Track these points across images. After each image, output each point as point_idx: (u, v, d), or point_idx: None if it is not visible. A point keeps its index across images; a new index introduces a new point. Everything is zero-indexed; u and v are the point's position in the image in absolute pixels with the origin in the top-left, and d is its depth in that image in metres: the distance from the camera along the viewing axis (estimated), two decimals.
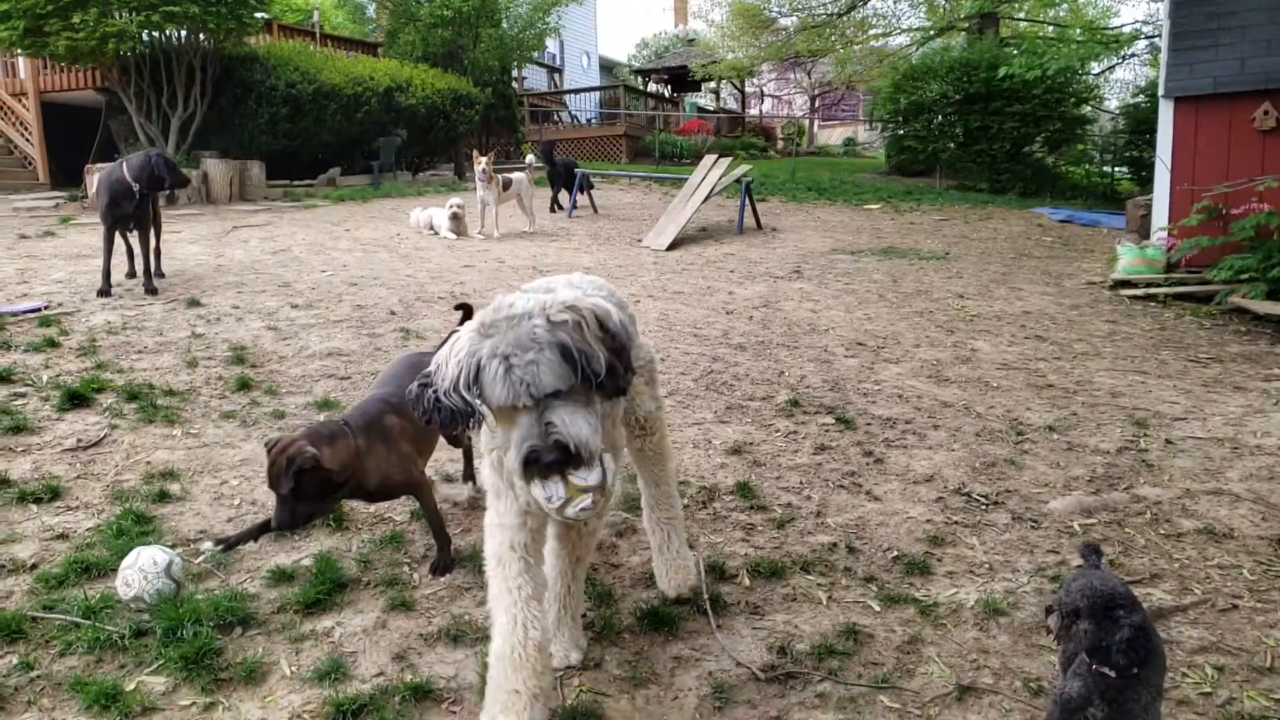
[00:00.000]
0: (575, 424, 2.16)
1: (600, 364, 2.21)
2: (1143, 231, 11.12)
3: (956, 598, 3.34)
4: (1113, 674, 2.21)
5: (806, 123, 38.35)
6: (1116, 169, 21.88)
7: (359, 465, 3.28)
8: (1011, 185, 19.24)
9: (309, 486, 3.10)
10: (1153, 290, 8.86)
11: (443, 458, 4.58)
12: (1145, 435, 5.01)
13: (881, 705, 2.75)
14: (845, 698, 2.77)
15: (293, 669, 2.87)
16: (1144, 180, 17.20)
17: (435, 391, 2.27)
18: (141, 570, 3.14)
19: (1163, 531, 3.88)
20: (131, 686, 2.73)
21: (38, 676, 2.78)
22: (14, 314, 7.05)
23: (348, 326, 7.05)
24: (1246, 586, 3.42)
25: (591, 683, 2.84)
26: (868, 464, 4.60)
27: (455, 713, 2.71)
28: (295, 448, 3.10)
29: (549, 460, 2.15)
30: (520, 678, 2.44)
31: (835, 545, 3.73)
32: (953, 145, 20.33)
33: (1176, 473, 4.50)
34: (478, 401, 2.23)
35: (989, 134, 19.50)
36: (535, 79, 32.42)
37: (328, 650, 2.96)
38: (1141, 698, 2.25)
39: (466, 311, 4.05)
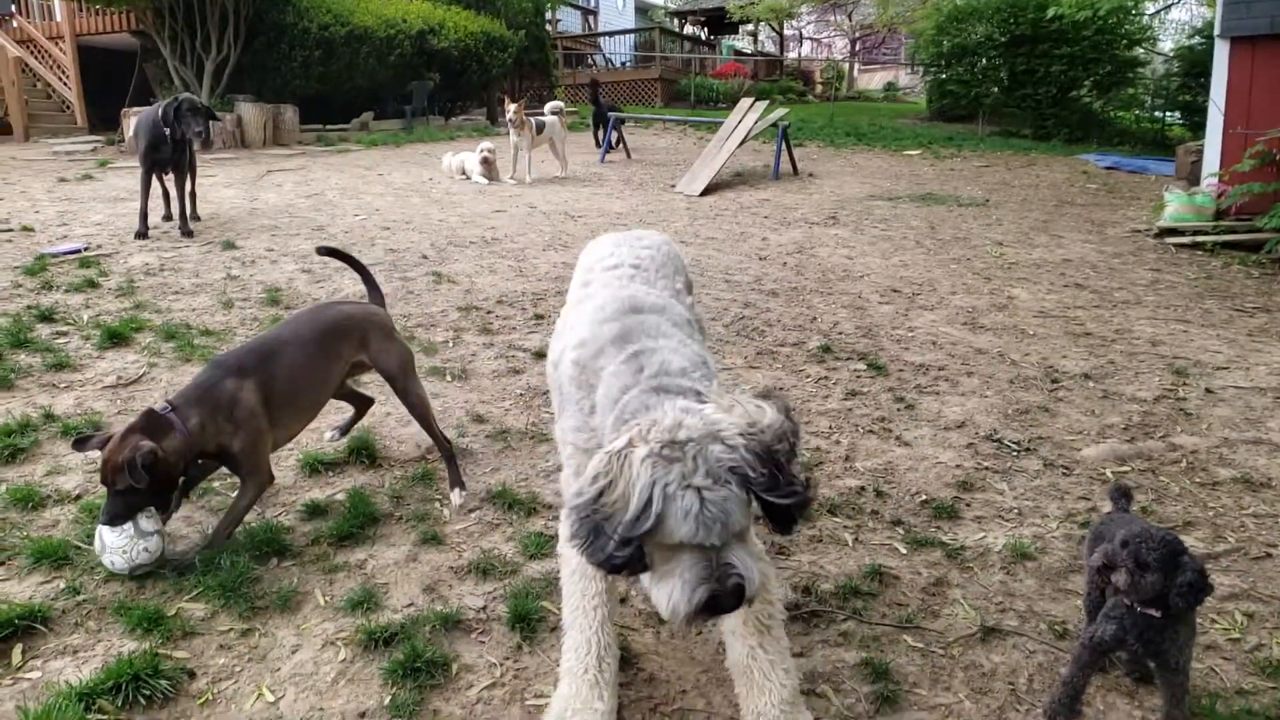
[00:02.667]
0: (750, 565, 1.95)
1: (774, 486, 1.96)
2: (1192, 178, 10.79)
3: (984, 542, 3.33)
4: (1158, 614, 2.20)
5: (846, 67, 37.45)
6: (1168, 114, 21.17)
7: (198, 444, 3.08)
8: (1057, 131, 18.71)
9: (150, 480, 2.94)
10: (1200, 238, 8.61)
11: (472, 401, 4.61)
12: (1185, 384, 4.92)
13: (905, 644, 2.76)
14: (869, 636, 2.79)
15: (326, 599, 2.94)
16: (1196, 126, 16.62)
17: (611, 536, 1.94)
18: (118, 549, 2.98)
19: (1198, 480, 3.82)
20: (172, 612, 2.82)
21: (83, 600, 2.88)
22: (55, 255, 7.18)
23: (380, 270, 7.09)
24: None
25: (618, 618, 2.88)
26: (899, 410, 4.57)
27: (484, 642, 2.77)
28: (131, 443, 2.92)
29: (724, 607, 1.95)
30: (597, 694, 2.37)
31: (863, 489, 3.73)
32: (996, 90, 19.78)
33: (1215, 422, 4.42)
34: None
35: (1035, 78, 18.92)
36: (569, 21, 31.93)
37: (360, 581, 3.03)
38: (1180, 635, 2.25)
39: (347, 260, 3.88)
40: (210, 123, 8.57)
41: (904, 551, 3.28)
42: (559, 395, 2.49)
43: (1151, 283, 7.30)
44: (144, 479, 2.90)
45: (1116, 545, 2.23)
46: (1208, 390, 4.83)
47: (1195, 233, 8.78)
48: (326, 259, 7.41)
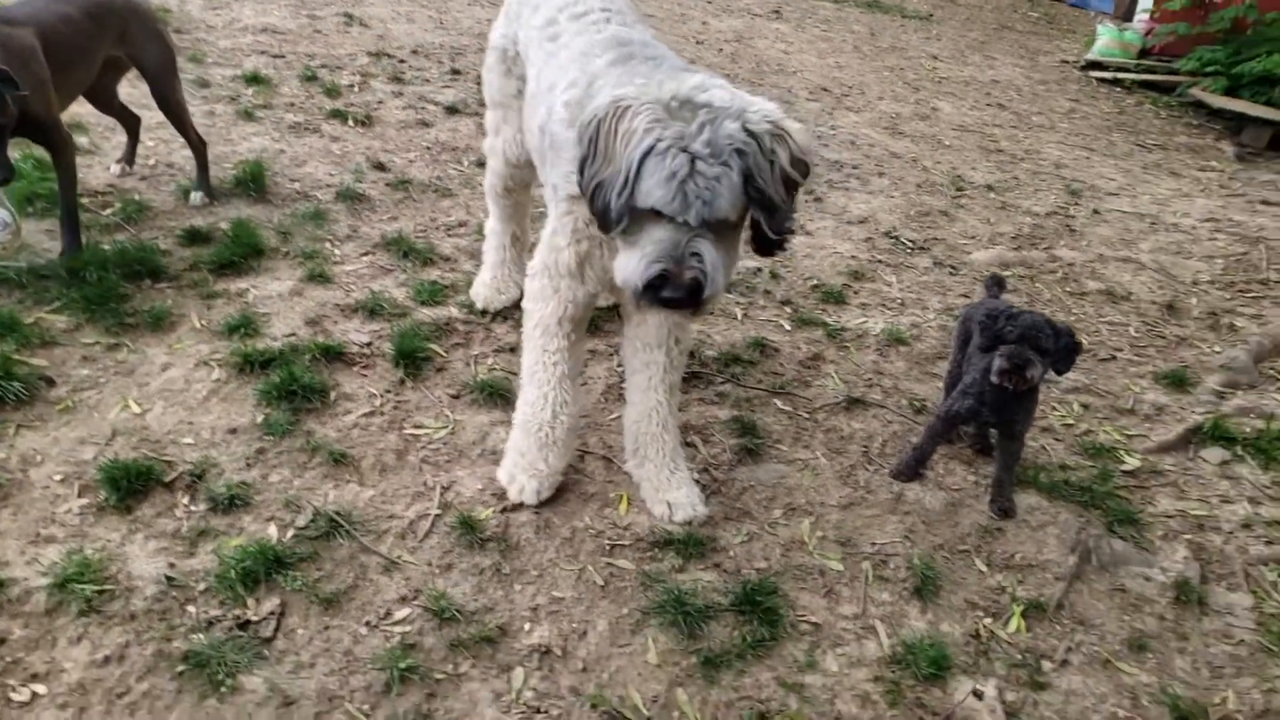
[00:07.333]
0: (718, 270, 1.77)
1: (774, 207, 1.80)
2: (1127, 15, 10.68)
3: (864, 326, 3.46)
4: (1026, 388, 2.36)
5: None
6: None
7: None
8: None
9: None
10: (1121, 75, 8.64)
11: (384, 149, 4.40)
12: (1076, 204, 5.08)
13: (774, 408, 2.91)
14: (742, 398, 2.92)
15: (202, 322, 2.87)
16: None
17: (608, 189, 1.79)
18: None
19: (1069, 289, 4.03)
20: (31, 320, 2.71)
21: None
22: None
23: (286, 4, 6.49)
24: (1129, 341, 3.64)
25: (506, 364, 2.92)
26: (806, 201, 4.58)
27: (366, 375, 2.78)
28: None
29: (672, 297, 1.78)
30: (544, 455, 2.35)
31: (759, 270, 3.78)
32: None
33: (1095, 239, 4.61)
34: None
35: None
36: None
37: (239, 309, 2.96)
38: (1028, 407, 2.46)
39: None
40: None
41: (788, 328, 3.38)
42: (551, 152, 2.22)
43: (1068, 111, 7.36)
44: (16, 84, 2.58)
45: (1014, 346, 2.30)
46: (1095, 211, 5.01)
47: (1118, 69, 8.79)
48: None
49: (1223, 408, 3.19)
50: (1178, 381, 3.33)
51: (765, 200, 1.78)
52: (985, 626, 2.21)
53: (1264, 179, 6.07)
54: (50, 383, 2.51)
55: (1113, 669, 2.15)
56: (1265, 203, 5.52)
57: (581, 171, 1.85)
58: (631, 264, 1.80)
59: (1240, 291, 4.21)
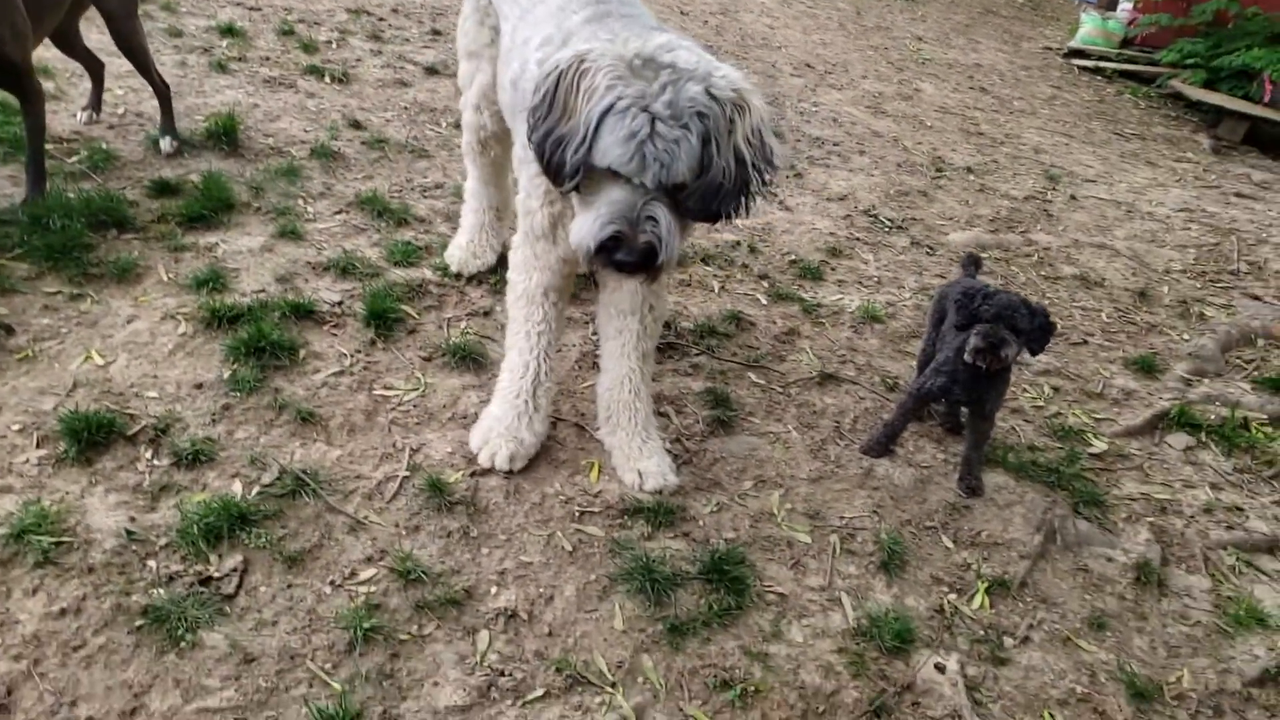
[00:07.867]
0: (672, 235, 1.74)
1: (727, 179, 1.75)
2: (1112, 5, 10.72)
3: (840, 303, 3.46)
4: (982, 366, 2.36)
5: None
6: None
7: None
8: None
9: None
10: (1103, 64, 8.68)
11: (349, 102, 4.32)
12: (1054, 189, 5.11)
13: (748, 381, 2.90)
14: (717, 370, 2.91)
15: (170, 275, 2.81)
16: None
17: (565, 145, 1.74)
18: None
19: (1044, 273, 4.05)
20: None
21: None
22: None
23: None
24: (1100, 327, 3.67)
25: (479, 327, 2.89)
26: (787, 176, 4.56)
27: (336, 335, 2.73)
28: None
29: (625, 260, 1.75)
30: (522, 424, 2.33)
31: (738, 244, 3.77)
32: None
33: (1071, 225, 4.64)
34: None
35: None
36: None
37: (208, 263, 2.89)
38: (999, 387, 2.47)
39: None
40: None
41: (765, 302, 3.37)
42: (524, 112, 2.14)
43: (1049, 98, 7.38)
44: None
45: (990, 325, 2.31)
46: (1072, 197, 5.04)
47: (1100, 58, 8.83)
48: None
49: (1189, 395, 3.23)
50: (1147, 367, 3.37)
51: (711, 169, 1.74)
52: (949, 602, 2.23)
53: (1238, 172, 6.14)
54: (9, 331, 2.45)
55: (1073, 646, 2.18)
56: (1238, 195, 5.59)
57: (533, 123, 1.80)
58: (586, 225, 1.78)
59: (1211, 281, 4.26)
